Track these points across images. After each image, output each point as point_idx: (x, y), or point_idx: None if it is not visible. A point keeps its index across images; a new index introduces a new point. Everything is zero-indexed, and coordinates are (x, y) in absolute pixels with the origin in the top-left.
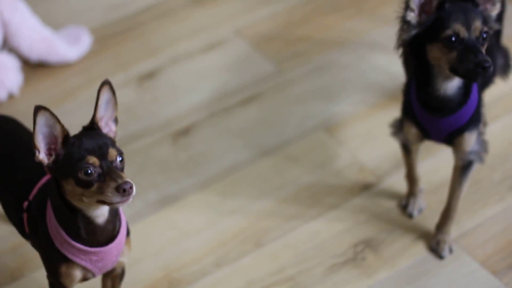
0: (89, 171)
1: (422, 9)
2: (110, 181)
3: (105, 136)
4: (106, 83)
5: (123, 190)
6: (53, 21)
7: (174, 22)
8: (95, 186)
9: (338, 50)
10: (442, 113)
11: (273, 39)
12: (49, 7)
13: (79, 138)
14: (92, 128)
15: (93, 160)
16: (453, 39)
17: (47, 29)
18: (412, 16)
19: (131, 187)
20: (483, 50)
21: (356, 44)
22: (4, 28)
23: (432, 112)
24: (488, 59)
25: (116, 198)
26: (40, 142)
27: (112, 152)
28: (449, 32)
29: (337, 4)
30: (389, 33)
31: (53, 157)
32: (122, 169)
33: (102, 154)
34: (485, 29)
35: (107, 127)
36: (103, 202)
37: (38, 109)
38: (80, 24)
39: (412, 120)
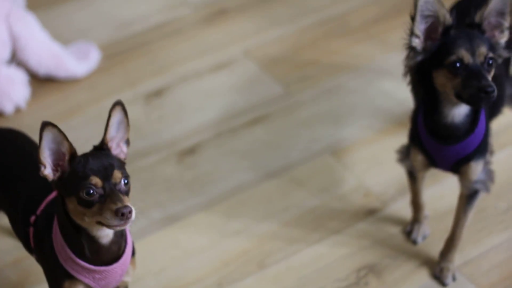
0: (91, 191)
1: (428, 35)
2: (110, 203)
3: (112, 157)
4: (119, 103)
5: (122, 214)
6: (62, 37)
7: (183, 40)
8: (96, 207)
9: (347, 75)
10: (449, 141)
11: (282, 61)
12: (58, 22)
13: (85, 157)
14: (101, 148)
15: (96, 180)
16: (458, 64)
17: (56, 44)
18: (417, 42)
19: (130, 212)
20: (489, 76)
21: (365, 69)
22: (13, 42)
23: (439, 139)
24: (492, 84)
25: (114, 221)
26: (46, 158)
27: (116, 174)
28: (453, 57)
29: (346, 28)
30: (398, 59)
31: (59, 173)
32: (126, 193)
33: (106, 175)
34: (491, 55)
35: (118, 148)
36: (102, 224)
37: (45, 125)
38: (89, 40)
39: (419, 147)
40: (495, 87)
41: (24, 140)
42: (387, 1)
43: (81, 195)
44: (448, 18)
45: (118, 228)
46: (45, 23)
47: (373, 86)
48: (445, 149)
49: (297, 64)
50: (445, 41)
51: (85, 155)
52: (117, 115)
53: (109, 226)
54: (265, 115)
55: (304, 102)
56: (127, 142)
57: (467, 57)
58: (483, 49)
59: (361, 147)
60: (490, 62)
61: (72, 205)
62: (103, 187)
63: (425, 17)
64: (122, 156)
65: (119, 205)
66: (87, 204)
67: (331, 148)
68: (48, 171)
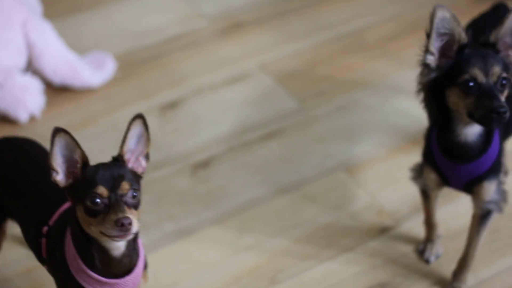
0: (96, 200)
1: (442, 53)
2: (112, 213)
3: (125, 169)
4: (140, 116)
5: (121, 225)
6: (79, 46)
7: (199, 53)
8: (100, 216)
9: (362, 91)
10: (462, 160)
11: (297, 76)
12: (75, 32)
13: (97, 166)
14: (117, 159)
15: (102, 190)
16: (471, 84)
17: (72, 53)
18: (431, 60)
19: (130, 223)
20: (502, 97)
21: (380, 85)
22: (29, 50)
23: (452, 158)
24: (504, 104)
25: (114, 232)
26: (59, 164)
27: (124, 185)
28: (466, 76)
29: (362, 44)
30: (413, 76)
31: (71, 180)
32: (134, 205)
33: (113, 186)
34: (504, 75)
35: (138, 162)
36: (104, 234)
37: (57, 131)
38: (105, 50)
39: (432, 165)
40: (507, 108)
41: (38, 149)
42: (404, 18)
43: (87, 204)
44: (463, 37)
45: (118, 240)
46: (62, 32)
47: (388, 103)
48: (458, 168)
49: (313, 79)
50: (459, 59)
51: (98, 165)
52: (136, 128)
53: (109, 237)
54: (279, 130)
55: (318, 117)
56: (147, 156)
57: (480, 77)
58: (496, 69)
59: (375, 164)
60: (504, 82)
61: (80, 214)
62: (109, 197)
63: (441, 34)
64: (140, 170)
65: (120, 215)
66: (93, 213)
67: (344, 164)
68: (60, 177)
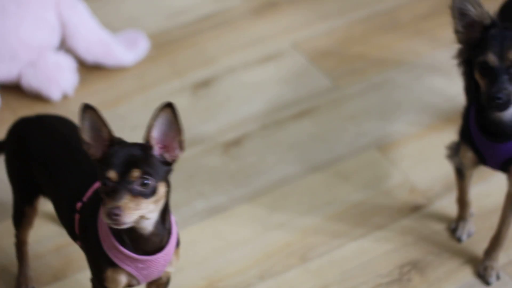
0: (107, 183)
1: (469, 32)
2: (108, 200)
3: (144, 155)
4: (169, 106)
5: (111, 214)
6: (112, 24)
7: (232, 32)
8: (106, 199)
9: (395, 70)
10: (499, 139)
11: (330, 54)
12: (108, 10)
13: (120, 147)
14: (144, 144)
15: (112, 174)
16: (484, 67)
17: (105, 32)
18: (461, 39)
19: (116, 215)
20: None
21: (413, 64)
22: (62, 29)
23: (490, 137)
24: (503, 92)
25: (105, 219)
26: (89, 138)
27: (134, 172)
28: (481, 58)
29: (397, 23)
30: (447, 55)
31: (101, 155)
32: (142, 194)
33: (124, 171)
34: None
35: (171, 149)
36: None
37: (86, 107)
38: (139, 29)
39: (469, 144)
40: (505, 95)
41: (71, 127)
42: None
43: (101, 183)
44: (485, 17)
45: (115, 227)
46: (95, 11)
47: (422, 81)
48: (496, 147)
49: (346, 58)
50: (481, 40)
51: (121, 145)
52: (165, 116)
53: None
54: (312, 108)
55: (351, 96)
56: (181, 145)
57: (492, 60)
58: None
59: (408, 142)
60: None
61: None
62: (118, 182)
63: (462, 15)
64: (170, 158)
65: (112, 205)
66: (104, 193)
67: (377, 142)
68: (92, 150)
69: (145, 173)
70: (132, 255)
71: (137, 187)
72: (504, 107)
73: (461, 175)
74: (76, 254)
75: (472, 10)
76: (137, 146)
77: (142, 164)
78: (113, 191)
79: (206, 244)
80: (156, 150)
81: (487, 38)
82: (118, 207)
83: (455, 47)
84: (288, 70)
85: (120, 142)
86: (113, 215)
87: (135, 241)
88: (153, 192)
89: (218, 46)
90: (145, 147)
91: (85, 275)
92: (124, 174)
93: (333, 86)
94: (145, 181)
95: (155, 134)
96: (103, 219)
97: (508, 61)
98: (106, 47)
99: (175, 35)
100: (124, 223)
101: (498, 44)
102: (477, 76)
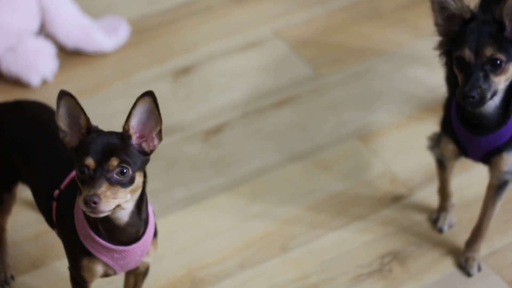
0: (83, 170)
1: (449, 25)
2: (86, 188)
3: (122, 144)
4: (149, 94)
5: (87, 202)
6: (92, 10)
7: (213, 19)
8: (84, 187)
9: (376, 59)
10: (480, 131)
11: (312, 43)
12: None
13: (98, 135)
14: (122, 133)
15: (90, 162)
16: (460, 62)
17: (86, 18)
18: (440, 31)
19: (95, 202)
20: (495, 78)
21: (395, 54)
22: (42, 14)
23: (471, 129)
24: (474, 90)
25: (83, 207)
26: (65, 125)
27: (113, 161)
28: (458, 53)
29: (378, 12)
30: (428, 45)
31: (77, 143)
32: (120, 183)
33: (101, 159)
34: (498, 56)
35: (148, 139)
36: None
37: (62, 94)
38: (119, 15)
39: (451, 136)
40: (478, 93)
41: (50, 113)
42: None
43: (77, 171)
44: (465, 11)
45: (92, 215)
46: None
47: (403, 71)
48: (477, 139)
49: (327, 47)
50: (460, 34)
51: (99, 134)
52: (145, 105)
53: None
54: (293, 97)
55: (332, 85)
56: (159, 135)
57: (468, 56)
58: (488, 50)
59: (389, 132)
60: (498, 62)
61: (76, 178)
62: (95, 170)
63: (441, 8)
64: (147, 148)
65: (89, 192)
66: (80, 182)
67: (358, 132)
68: (67, 138)
69: (124, 162)
70: (107, 245)
71: (115, 175)
72: (477, 105)
73: (442, 167)
74: (55, 241)
75: (452, 4)
76: (116, 134)
77: (120, 153)
78: (90, 179)
79: (186, 233)
80: (134, 140)
81: (465, 32)
82: (96, 195)
83: (436, 37)
84: (269, 58)
85: (97, 131)
86: (91, 203)
87: (110, 231)
88: (131, 181)
89: (199, 33)
90: (124, 136)
91: (63, 263)
92: (102, 162)
93: (314, 75)
94: (124, 170)
95: (134, 123)
96: (80, 207)
97: (484, 58)
98: (86, 33)
99: (155, 21)
100: (102, 212)
101: (475, 40)
102: (455, 69)
